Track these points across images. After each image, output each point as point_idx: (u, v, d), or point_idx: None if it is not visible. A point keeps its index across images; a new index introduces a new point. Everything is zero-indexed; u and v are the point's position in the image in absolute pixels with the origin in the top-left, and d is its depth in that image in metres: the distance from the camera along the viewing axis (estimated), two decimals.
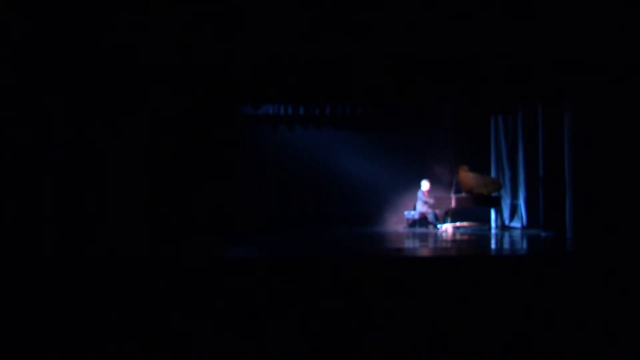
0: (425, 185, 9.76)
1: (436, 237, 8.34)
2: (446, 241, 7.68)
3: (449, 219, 9.51)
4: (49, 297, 4.56)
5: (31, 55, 5.81)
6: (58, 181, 6.02)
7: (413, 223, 9.87)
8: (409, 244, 7.52)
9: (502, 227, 9.97)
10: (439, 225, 9.52)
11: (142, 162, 6.85)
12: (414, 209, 9.87)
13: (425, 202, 9.60)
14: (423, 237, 8.26)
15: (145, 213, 6.86)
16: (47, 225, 5.81)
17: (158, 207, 7.10)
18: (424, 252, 6.70)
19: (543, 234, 8.59)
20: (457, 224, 9.56)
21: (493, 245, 7.35)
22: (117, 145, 6.51)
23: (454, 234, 8.87)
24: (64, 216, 5.97)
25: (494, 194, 9.66)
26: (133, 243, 6.31)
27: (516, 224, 9.94)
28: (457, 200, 9.33)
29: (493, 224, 10.01)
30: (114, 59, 6.34)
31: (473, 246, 7.11)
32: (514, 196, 10.06)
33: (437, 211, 9.60)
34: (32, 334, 4.16)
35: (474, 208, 9.70)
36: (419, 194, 9.77)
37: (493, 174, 10.30)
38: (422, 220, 9.80)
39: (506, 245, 7.32)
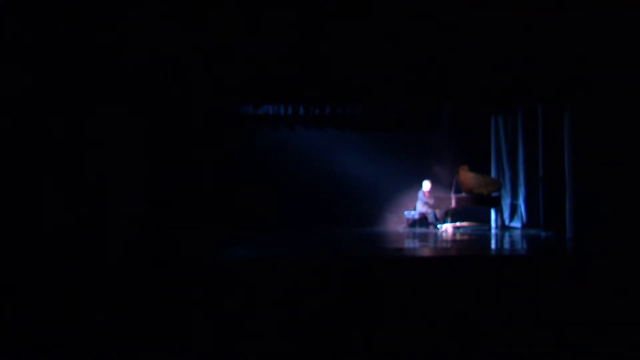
0: (426, 185, 9.76)
1: (436, 237, 8.35)
2: (446, 241, 7.68)
3: (449, 219, 9.51)
4: (48, 295, 4.56)
5: (31, 54, 5.82)
6: (57, 180, 6.02)
7: (413, 223, 9.87)
8: (409, 244, 7.52)
9: (502, 227, 9.97)
10: (439, 225, 9.52)
11: (142, 162, 6.85)
12: (414, 209, 9.87)
13: (426, 203, 9.61)
14: (423, 237, 8.27)
15: (145, 214, 6.85)
16: (47, 222, 5.81)
17: (157, 207, 7.09)
18: (424, 252, 6.70)
19: (543, 234, 8.59)
20: (457, 224, 9.56)
21: (493, 245, 7.35)
22: (117, 146, 6.51)
23: (454, 234, 8.88)
24: (64, 214, 5.97)
25: (494, 194, 9.66)
26: (132, 243, 6.30)
27: (516, 224, 9.94)
28: (457, 200, 9.33)
29: (493, 224, 10.02)
30: (113, 58, 6.34)
31: (473, 246, 7.11)
32: (514, 196, 10.06)
33: (437, 211, 9.60)
34: (29, 334, 4.16)
35: (474, 208, 9.70)
36: (420, 194, 9.77)
37: (493, 174, 10.30)
38: (422, 220, 9.81)
39: (506, 245, 7.33)
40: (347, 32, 6.40)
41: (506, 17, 6.24)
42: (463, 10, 6.15)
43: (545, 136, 8.80)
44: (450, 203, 9.33)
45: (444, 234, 8.79)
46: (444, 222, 9.51)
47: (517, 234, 8.98)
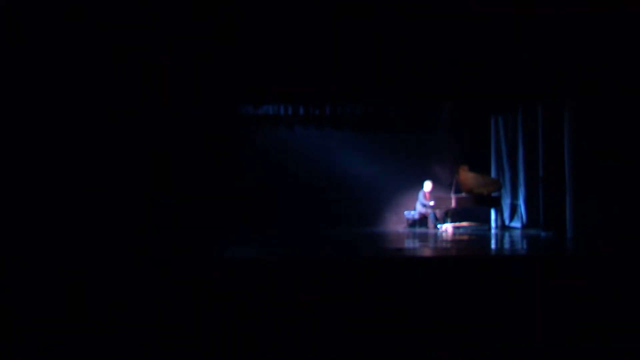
0: (427, 186, 9.76)
1: (436, 237, 8.35)
2: (446, 241, 7.68)
3: (449, 219, 9.51)
4: (48, 295, 4.56)
5: (30, 54, 5.82)
6: (57, 179, 6.02)
7: (413, 223, 9.87)
8: (409, 244, 7.52)
9: (502, 227, 9.97)
10: (439, 225, 9.52)
11: (142, 162, 6.85)
12: (414, 209, 9.87)
13: (424, 205, 9.62)
14: (423, 237, 8.26)
15: (145, 213, 6.85)
16: (47, 223, 5.81)
17: (157, 207, 7.09)
18: (424, 252, 6.70)
19: (543, 234, 8.59)
20: (457, 224, 9.56)
21: (493, 245, 7.34)
22: (117, 145, 6.51)
23: (454, 234, 8.88)
24: (64, 214, 5.97)
25: (494, 194, 9.66)
26: (132, 244, 6.30)
27: (516, 224, 9.94)
28: (457, 200, 9.33)
29: (493, 224, 10.02)
30: (113, 58, 6.34)
31: (473, 246, 7.11)
32: (514, 196, 10.06)
33: (437, 211, 9.61)
34: (30, 332, 4.16)
35: (474, 208, 9.70)
36: (420, 194, 9.77)
37: (493, 174, 10.30)
38: (422, 220, 9.81)
39: (506, 245, 7.32)
40: (347, 32, 6.40)
41: (506, 17, 6.24)
42: (463, 10, 6.15)
43: (545, 136, 8.80)
44: (450, 203, 9.33)
45: (444, 234, 8.79)
46: (444, 222, 9.51)
47: (517, 234, 8.98)
